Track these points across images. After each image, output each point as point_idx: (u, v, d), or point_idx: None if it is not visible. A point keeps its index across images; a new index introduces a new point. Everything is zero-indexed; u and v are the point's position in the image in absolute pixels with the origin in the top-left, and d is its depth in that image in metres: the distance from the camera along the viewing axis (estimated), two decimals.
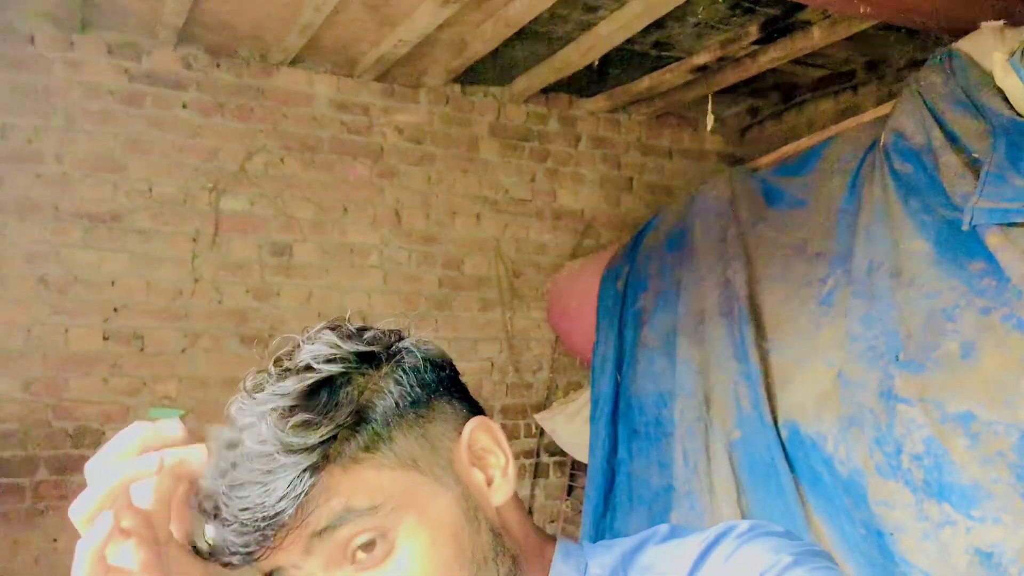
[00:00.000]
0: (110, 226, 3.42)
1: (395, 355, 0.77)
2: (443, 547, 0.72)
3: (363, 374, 0.75)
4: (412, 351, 0.78)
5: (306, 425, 0.70)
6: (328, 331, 0.77)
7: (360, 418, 0.72)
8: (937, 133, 2.49)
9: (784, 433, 2.67)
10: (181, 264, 3.52)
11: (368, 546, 0.71)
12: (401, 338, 0.80)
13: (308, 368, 0.73)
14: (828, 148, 3.05)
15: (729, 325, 3.07)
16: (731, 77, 3.78)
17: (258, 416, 0.71)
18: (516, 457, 3.95)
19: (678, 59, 3.73)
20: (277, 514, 0.69)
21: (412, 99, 3.98)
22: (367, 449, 0.72)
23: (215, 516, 0.71)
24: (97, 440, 3.30)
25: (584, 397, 3.89)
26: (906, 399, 2.34)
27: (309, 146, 3.77)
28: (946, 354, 2.29)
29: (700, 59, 3.63)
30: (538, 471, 4.16)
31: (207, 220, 3.57)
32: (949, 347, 2.28)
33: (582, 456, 3.75)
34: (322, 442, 0.70)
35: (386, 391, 0.75)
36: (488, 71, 3.92)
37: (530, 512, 3.76)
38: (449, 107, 4.05)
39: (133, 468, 0.70)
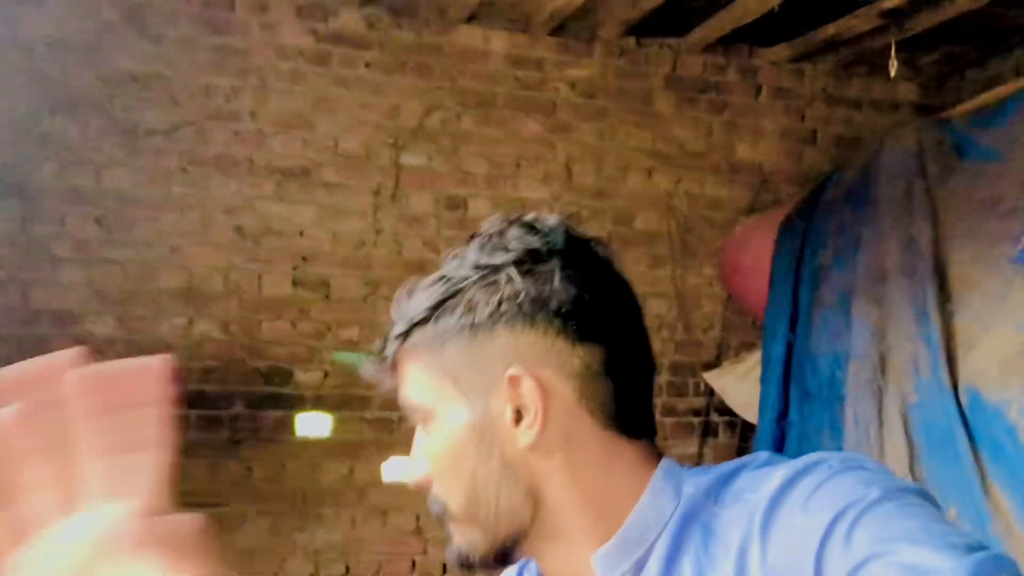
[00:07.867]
0: (300, 180, 3.63)
1: (488, 276, 0.82)
2: (446, 457, 0.81)
3: (457, 290, 0.82)
4: (515, 280, 0.80)
5: (402, 314, 0.85)
6: (476, 238, 0.86)
7: (424, 323, 0.83)
8: None
9: (964, 399, 2.52)
10: (364, 216, 3.70)
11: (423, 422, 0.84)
12: (521, 262, 0.81)
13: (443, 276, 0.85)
14: None
15: (911, 285, 2.91)
16: (925, 21, 3.52)
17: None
18: (683, 414, 3.84)
19: (867, 2, 3.51)
20: (393, 336, 0.84)
21: (586, 53, 3.96)
22: (419, 353, 0.83)
23: None
24: (286, 379, 3.56)
25: (755, 357, 3.79)
26: None
27: (484, 102, 3.84)
28: None
29: (890, 2, 3.40)
30: (707, 430, 4.10)
31: (388, 175, 3.73)
32: None
33: (751, 417, 3.67)
34: (403, 331, 0.83)
35: (457, 307, 0.81)
36: (663, 22, 3.84)
37: None
38: (623, 60, 4.01)
39: None
